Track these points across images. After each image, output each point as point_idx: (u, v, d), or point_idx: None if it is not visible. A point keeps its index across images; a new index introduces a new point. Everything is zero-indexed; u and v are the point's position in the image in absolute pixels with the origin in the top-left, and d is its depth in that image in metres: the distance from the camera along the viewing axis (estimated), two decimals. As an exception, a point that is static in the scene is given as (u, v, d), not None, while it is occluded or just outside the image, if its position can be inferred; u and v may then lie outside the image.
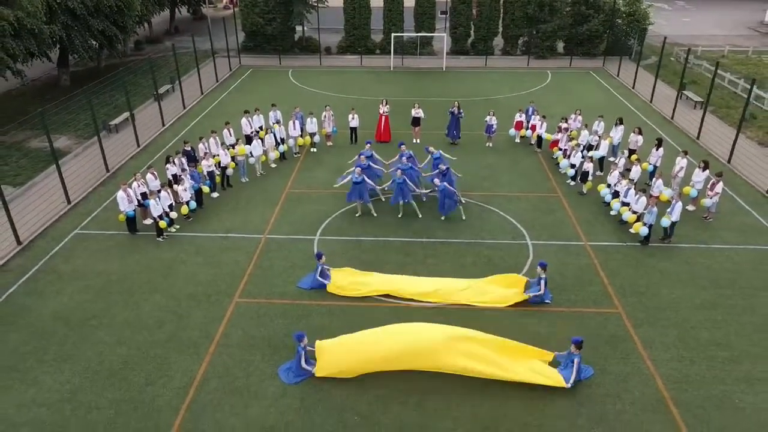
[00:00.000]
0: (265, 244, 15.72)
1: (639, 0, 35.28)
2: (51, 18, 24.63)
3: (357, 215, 17.01)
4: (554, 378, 10.82)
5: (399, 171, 16.61)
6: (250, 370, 11.35)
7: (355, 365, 11.07)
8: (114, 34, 28.17)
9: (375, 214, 17.01)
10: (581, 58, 36.14)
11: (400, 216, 16.90)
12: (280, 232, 16.34)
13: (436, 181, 16.46)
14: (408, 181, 16.71)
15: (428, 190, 17.43)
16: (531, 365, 11.03)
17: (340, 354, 11.19)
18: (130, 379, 11.12)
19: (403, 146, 18.25)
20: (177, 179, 16.84)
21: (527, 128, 22.41)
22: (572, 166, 18.83)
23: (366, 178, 16.66)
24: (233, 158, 18.96)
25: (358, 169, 16.62)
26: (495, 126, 21.98)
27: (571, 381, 10.72)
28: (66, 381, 11.09)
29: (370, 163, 17.66)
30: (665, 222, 15.18)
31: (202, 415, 10.34)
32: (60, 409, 10.47)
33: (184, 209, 16.17)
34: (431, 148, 18.40)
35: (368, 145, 18.74)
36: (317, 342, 11.42)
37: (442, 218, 16.74)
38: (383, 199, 17.64)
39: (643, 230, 15.24)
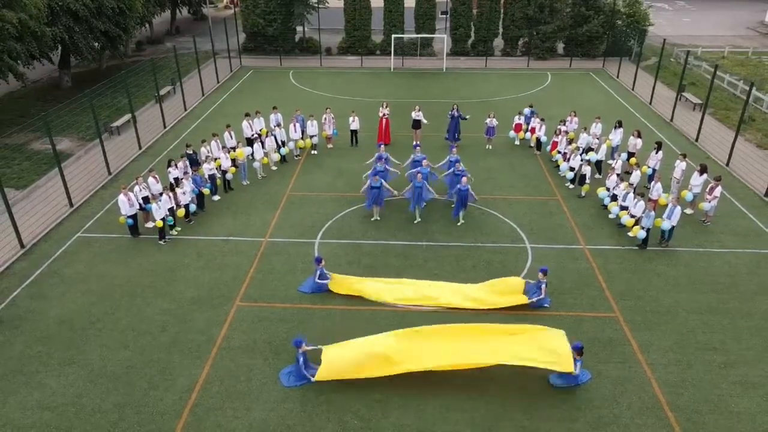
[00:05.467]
0: (266, 247, 15.85)
1: (639, 1, 35.36)
2: (52, 20, 24.74)
3: (373, 219, 17.10)
4: (565, 359, 10.68)
5: (419, 175, 16.68)
6: (251, 373, 11.49)
7: (356, 365, 11.13)
8: (117, 35, 28.27)
9: (378, 218, 17.14)
10: (581, 59, 36.24)
11: (416, 222, 16.96)
12: (281, 235, 16.47)
13: (465, 179, 16.51)
14: (427, 185, 16.89)
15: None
16: (540, 343, 10.98)
17: (343, 356, 11.30)
18: (133, 383, 11.27)
19: (418, 148, 18.44)
20: (178, 182, 16.96)
21: (526, 131, 22.53)
22: (571, 169, 18.95)
23: (384, 183, 16.85)
24: (234, 162, 19.10)
25: (376, 176, 16.79)
26: (495, 128, 22.07)
27: (579, 375, 10.85)
28: (70, 384, 11.24)
29: (387, 167, 17.81)
30: (665, 225, 15.28)
31: (205, 418, 10.49)
32: (64, 412, 10.62)
33: (181, 212, 16.29)
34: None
35: (381, 147, 18.66)
36: (323, 348, 11.49)
37: (459, 224, 16.93)
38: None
39: (641, 234, 15.36)
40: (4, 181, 18.16)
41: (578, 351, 10.85)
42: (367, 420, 10.44)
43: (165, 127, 24.89)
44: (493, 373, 11.18)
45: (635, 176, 17.39)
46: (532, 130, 22.10)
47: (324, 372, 11.16)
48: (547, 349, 10.92)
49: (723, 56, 36.75)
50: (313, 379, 11.13)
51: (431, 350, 11.17)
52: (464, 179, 16.40)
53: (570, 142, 19.99)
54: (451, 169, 17.59)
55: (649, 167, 18.50)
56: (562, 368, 10.73)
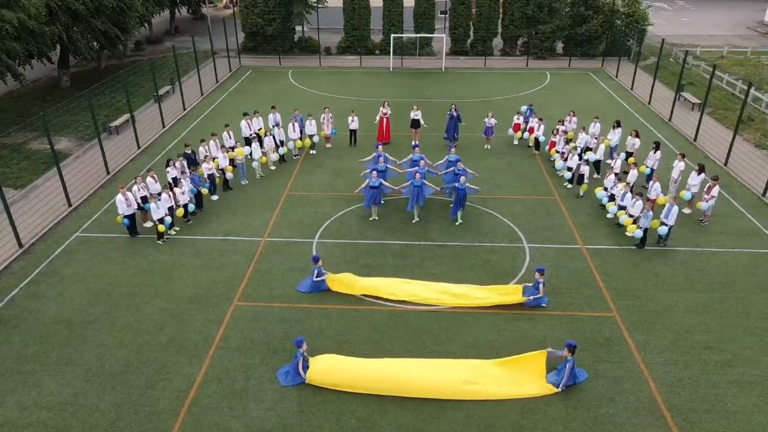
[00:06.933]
0: (264, 246, 15.87)
1: (638, 1, 35.35)
2: (51, 19, 24.73)
3: (371, 219, 17.07)
4: (544, 387, 10.98)
5: (418, 174, 16.68)
6: (249, 373, 11.51)
7: (350, 385, 11.11)
8: (116, 35, 28.27)
9: (377, 218, 17.14)
10: (580, 59, 36.24)
11: (414, 222, 16.92)
12: (280, 234, 16.49)
13: (462, 179, 16.50)
14: (426, 183, 16.90)
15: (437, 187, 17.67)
16: (518, 380, 11.11)
17: (337, 372, 11.24)
18: (130, 382, 11.28)
19: (417, 148, 18.49)
20: (177, 182, 16.99)
21: (524, 130, 22.54)
22: (569, 169, 18.97)
23: (383, 182, 16.87)
24: (232, 161, 19.14)
25: (375, 173, 16.82)
26: (494, 127, 22.09)
27: (562, 385, 10.87)
28: (68, 384, 11.26)
29: (387, 165, 17.86)
30: (662, 230, 15.30)
31: (202, 417, 10.50)
32: (62, 411, 10.64)
33: (180, 212, 16.32)
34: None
35: (379, 147, 18.59)
36: (311, 359, 11.43)
37: (457, 223, 16.94)
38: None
39: (638, 233, 15.38)
40: (2, 180, 18.24)
41: (571, 350, 10.85)
42: (365, 419, 10.46)
43: (164, 127, 24.90)
44: (490, 372, 11.19)
45: (632, 175, 17.41)
46: (531, 130, 22.12)
47: (316, 378, 11.15)
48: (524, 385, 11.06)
49: (722, 56, 36.75)
50: (306, 381, 11.14)
51: (426, 382, 11.12)
52: (462, 178, 16.40)
53: (568, 141, 20.01)
54: (451, 168, 17.60)
55: (647, 167, 18.51)
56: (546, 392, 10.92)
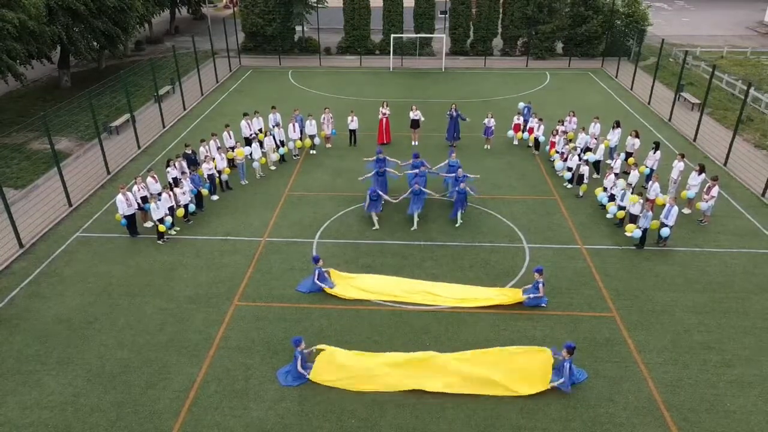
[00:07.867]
0: (264, 246, 15.89)
1: (638, 1, 35.37)
2: (51, 19, 24.75)
3: (374, 228, 16.71)
4: (546, 385, 11.07)
5: (416, 184, 16.61)
6: (249, 373, 11.53)
7: (352, 382, 11.18)
8: (116, 35, 28.29)
9: (377, 227, 16.86)
10: (580, 59, 36.26)
11: (413, 229, 16.73)
12: (280, 234, 16.51)
13: (463, 184, 16.49)
14: (424, 190, 16.90)
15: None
16: (523, 375, 11.16)
17: (339, 367, 11.32)
18: (131, 382, 11.31)
19: (418, 158, 18.42)
20: (177, 182, 17.02)
21: (524, 130, 22.56)
22: (569, 169, 18.99)
23: (383, 195, 16.82)
24: (231, 161, 19.16)
25: (380, 170, 16.88)
26: (493, 127, 22.13)
27: (566, 385, 10.91)
28: (68, 383, 11.28)
29: (387, 168, 17.89)
30: (664, 231, 15.32)
31: (202, 417, 10.52)
32: (62, 411, 10.66)
33: (180, 212, 16.34)
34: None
35: (380, 153, 18.50)
36: (322, 347, 11.49)
37: (457, 224, 16.90)
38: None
39: (636, 232, 15.40)
40: (3, 180, 18.27)
41: (569, 351, 10.87)
42: (365, 419, 10.48)
43: (164, 127, 24.92)
44: (489, 372, 11.20)
45: (633, 176, 17.42)
46: (530, 130, 22.14)
47: (317, 373, 11.22)
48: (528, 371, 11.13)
49: (721, 56, 36.77)
50: (308, 377, 11.18)
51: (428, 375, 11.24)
52: (462, 184, 16.41)
53: (568, 142, 20.02)
54: (453, 174, 17.53)
55: (647, 167, 18.53)
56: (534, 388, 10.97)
